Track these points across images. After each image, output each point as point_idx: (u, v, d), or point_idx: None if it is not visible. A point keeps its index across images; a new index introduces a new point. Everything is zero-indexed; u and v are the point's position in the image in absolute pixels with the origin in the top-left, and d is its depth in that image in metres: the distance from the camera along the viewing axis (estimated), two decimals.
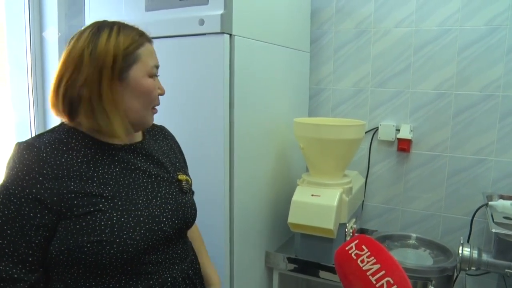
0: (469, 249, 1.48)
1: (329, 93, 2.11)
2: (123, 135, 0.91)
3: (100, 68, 0.87)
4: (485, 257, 1.46)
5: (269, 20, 1.59)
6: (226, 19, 1.28)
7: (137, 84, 0.92)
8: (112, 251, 0.85)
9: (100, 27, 0.91)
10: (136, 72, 0.92)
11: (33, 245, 0.84)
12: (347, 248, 0.79)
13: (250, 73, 1.47)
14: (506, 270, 1.40)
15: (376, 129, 2.01)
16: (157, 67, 0.98)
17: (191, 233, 1.18)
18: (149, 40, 0.97)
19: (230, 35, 1.32)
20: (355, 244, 0.78)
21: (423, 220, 1.99)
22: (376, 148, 2.04)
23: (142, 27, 0.96)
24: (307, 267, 1.68)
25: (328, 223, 1.54)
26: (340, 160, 1.66)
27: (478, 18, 1.78)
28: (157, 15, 1.45)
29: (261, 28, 1.53)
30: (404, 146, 1.94)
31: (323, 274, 1.65)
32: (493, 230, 1.35)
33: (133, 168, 0.96)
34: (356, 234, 1.75)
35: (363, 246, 0.77)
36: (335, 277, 1.61)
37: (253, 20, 1.46)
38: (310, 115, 2.14)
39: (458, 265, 1.48)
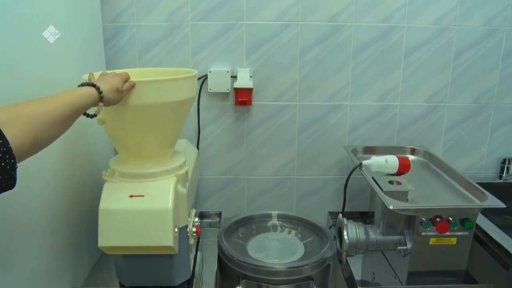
0: (354, 230, 1.12)
1: (133, 32, 1.45)
2: None
3: None
4: (372, 235, 1.13)
5: None
6: None
7: None
8: None
9: None
10: None
11: None
12: None
13: None
14: (398, 247, 1.10)
15: (205, 77, 1.47)
16: None
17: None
18: None
19: None
20: None
21: (274, 187, 1.60)
22: (206, 104, 1.51)
23: None
24: None
25: (165, 238, 0.97)
26: (167, 133, 1.08)
27: None
28: None
29: None
30: (244, 97, 1.45)
31: None
32: (391, 207, 0.99)
33: None
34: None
35: None
36: None
37: None
38: (108, 67, 1.45)
39: (344, 253, 1.12)
